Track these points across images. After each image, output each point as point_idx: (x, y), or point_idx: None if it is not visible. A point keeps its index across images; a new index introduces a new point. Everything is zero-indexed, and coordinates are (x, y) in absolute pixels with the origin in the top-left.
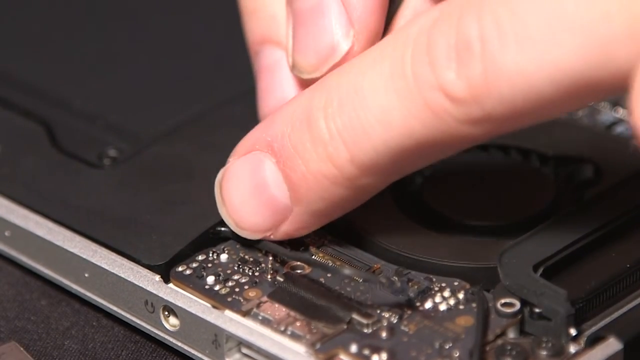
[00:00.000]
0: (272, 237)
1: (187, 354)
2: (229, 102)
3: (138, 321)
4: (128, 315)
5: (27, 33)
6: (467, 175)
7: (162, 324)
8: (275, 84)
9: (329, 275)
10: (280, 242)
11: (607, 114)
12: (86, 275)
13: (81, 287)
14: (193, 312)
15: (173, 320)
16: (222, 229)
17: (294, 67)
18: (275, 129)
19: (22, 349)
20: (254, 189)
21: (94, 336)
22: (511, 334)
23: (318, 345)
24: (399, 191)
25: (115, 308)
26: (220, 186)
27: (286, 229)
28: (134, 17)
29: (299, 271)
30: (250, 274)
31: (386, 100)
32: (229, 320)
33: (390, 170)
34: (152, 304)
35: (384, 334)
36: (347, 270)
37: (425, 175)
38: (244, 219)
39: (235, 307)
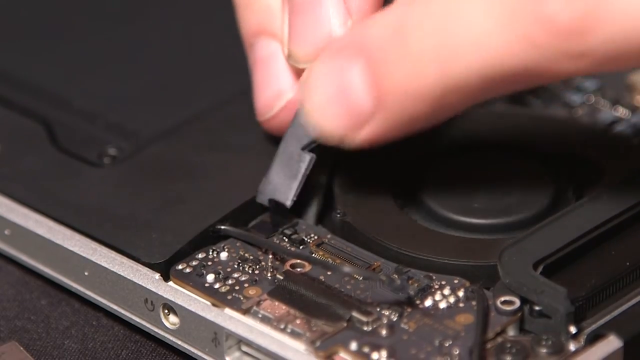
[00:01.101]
0: (348, 142)
1: (187, 353)
2: (229, 102)
3: (138, 319)
4: (128, 314)
5: (27, 32)
6: (467, 173)
7: (162, 322)
8: (272, 76)
9: (328, 273)
10: (281, 240)
11: (607, 113)
12: (86, 273)
13: (81, 286)
14: (193, 310)
15: (173, 318)
16: (222, 227)
17: (289, 57)
18: (369, 37)
19: (22, 348)
20: (338, 92)
21: (93, 336)
22: (511, 332)
23: (318, 343)
24: (399, 189)
25: (114, 307)
26: (304, 85)
27: (364, 135)
28: (134, 15)
29: (298, 269)
30: (250, 272)
31: (485, 24)
32: (229, 319)
33: (476, 94)
34: (151, 302)
35: (383, 332)
36: (347, 268)
37: (425, 173)
38: (323, 120)
39: (235, 305)
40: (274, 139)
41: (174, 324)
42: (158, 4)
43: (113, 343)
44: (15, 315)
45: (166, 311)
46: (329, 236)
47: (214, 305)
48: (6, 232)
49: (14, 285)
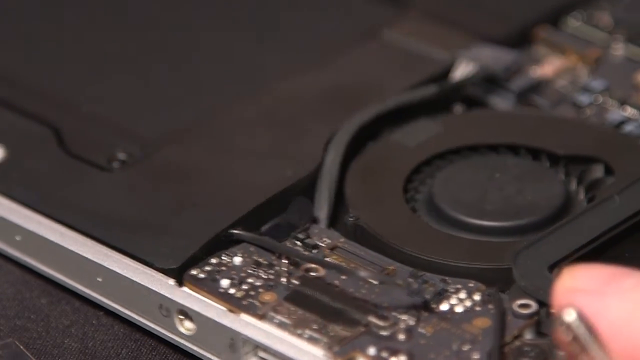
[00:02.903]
0: None
1: (203, 359)
2: (237, 104)
3: (152, 325)
4: (142, 320)
5: (33, 34)
6: (478, 176)
7: (177, 328)
8: None
9: (343, 277)
10: (294, 245)
11: (615, 113)
12: (99, 280)
13: (94, 292)
14: (209, 315)
15: (188, 324)
16: (235, 231)
17: None
18: None
19: (22, 347)
20: None
21: (93, 334)
22: (528, 335)
23: (336, 348)
24: (411, 192)
25: (129, 312)
26: None
27: None
28: (142, 17)
29: (313, 274)
30: (264, 277)
31: None
32: (246, 324)
33: None
34: (166, 308)
35: (401, 336)
36: (363, 273)
37: (436, 177)
38: None
39: (251, 310)
40: (283, 142)
41: (190, 330)
42: (164, 7)
43: (113, 342)
44: (15, 314)
45: (181, 317)
46: (342, 240)
47: (229, 310)
48: (17, 238)
49: (13, 284)
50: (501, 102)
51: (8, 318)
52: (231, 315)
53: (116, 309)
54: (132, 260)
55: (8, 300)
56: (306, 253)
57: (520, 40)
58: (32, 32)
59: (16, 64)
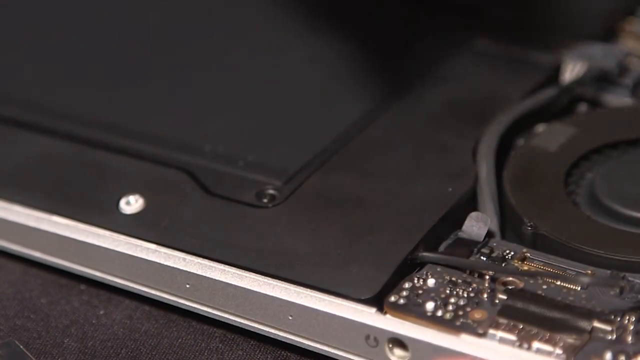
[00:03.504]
0: None
1: None
2: (360, 126)
3: (356, 358)
4: (342, 354)
5: (137, 79)
6: (632, 171)
7: (388, 358)
8: None
9: (544, 286)
10: (481, 260)
11: None
12: (290, 318)
13: (282, 332)
14: (427, 341)
15: (400, 352)
16: (420, 254)
17: None
18: None
19: (22, 347)
20: None
21: (93, 334)
22: None
23: (572, 358)
24: (572, 196)
25: (326, 348)
26: None
27: None
28: (249, 48)
29: (514, 286)
30: (465, 295)
31: None
32: (469, 344)
33: None
34: (374, 338)
35: (632, 338)
36: (585, 279)
37: (594, 178)
38: None
39: (469, 330)
40: (427, 160)
41: (402, 358)
42: (276, 34)
43: (112, 342)
44: (15, 314)
45: (391, 345)
46: (524, 250)
47: (444, 333)
48: (187, 285)
49: (13, 284)
50: (614, 98)
51: (8, 318)
52: (451, 337)
53: (308, 345)
54: (325, 294)
55: (8, 300)
56: (499, 266)
57: (606, 35)
58: (134, 76)
59: (135, 113)
